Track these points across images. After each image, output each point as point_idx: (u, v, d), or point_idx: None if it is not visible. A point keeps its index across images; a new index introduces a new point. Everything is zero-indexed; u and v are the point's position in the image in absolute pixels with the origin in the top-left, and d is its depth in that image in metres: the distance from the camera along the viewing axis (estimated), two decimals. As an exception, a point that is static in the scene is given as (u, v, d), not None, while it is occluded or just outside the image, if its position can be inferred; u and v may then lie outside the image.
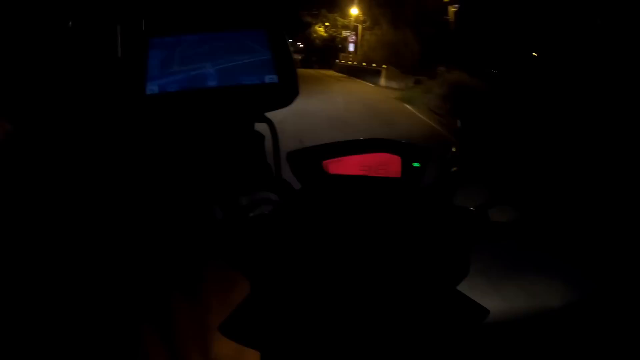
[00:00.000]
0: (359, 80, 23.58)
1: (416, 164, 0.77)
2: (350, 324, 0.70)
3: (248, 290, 0.72)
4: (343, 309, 0.71)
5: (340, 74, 28.14)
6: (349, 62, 30.99)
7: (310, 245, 0.73)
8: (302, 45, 41.25)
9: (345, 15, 35.28)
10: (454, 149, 0.82)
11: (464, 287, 0.75)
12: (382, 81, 21.05)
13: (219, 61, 0.76)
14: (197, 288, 0.87)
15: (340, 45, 37.33)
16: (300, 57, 37.72)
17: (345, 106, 12.37)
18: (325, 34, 38.21)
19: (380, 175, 0.78)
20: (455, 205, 0.79)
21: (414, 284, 0.73)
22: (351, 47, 33.92)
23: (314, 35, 38.68)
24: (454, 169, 0.80)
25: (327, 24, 37.78)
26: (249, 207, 0.77)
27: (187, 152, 0.81)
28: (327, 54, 37.59)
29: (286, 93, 0.78)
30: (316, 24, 38.38)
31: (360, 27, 32.93)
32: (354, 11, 33.51)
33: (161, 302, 0.86)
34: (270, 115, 0.81)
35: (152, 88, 0.74)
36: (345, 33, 35.35)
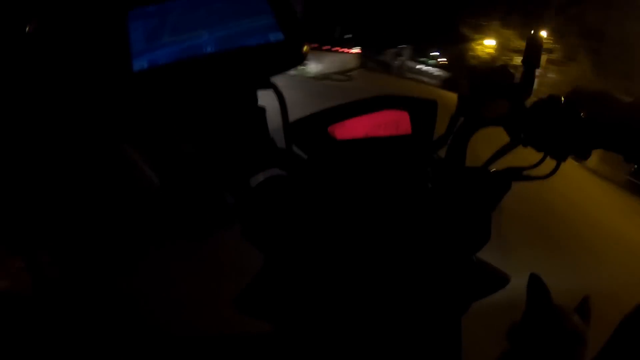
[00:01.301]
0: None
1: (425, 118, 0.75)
2: (364, 295, 0.70)
3: (262, 262, 0.73)
4: (357, 279, 0.70)
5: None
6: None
7: (323, 215, 0.73)
8: (446, 62, 32.87)
9: (524, 36, 25.82)
10: (461, 99, 0.77)
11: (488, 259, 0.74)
12: (594, 162, 12.04)
13: (215, 27, 0.71)
14: (211, 258, 1.06)
15: (502, 75, 27.97)
16: (445, 75, 29.39)
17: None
18: (486, 56, 28.93)
19: (390, 134, 0.76)
20: (467, 166, 0.78)
21: (432, 248, 0.72)
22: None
23: (470, 52, 29.64)
24: (461, 119, 0.77)
25: (492, 42, 28.53)
26: (259, 187, 0.74)
27: (187, 137, 0.76)
28: (481, 80, 28.63)
29: (293, 51, 0.71)
30: (476, 39, 29.31)
31: (544, 57, 23.42)
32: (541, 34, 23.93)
33: (173, 273, 1.10)
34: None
35: (140, 64, 0.68)
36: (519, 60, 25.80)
